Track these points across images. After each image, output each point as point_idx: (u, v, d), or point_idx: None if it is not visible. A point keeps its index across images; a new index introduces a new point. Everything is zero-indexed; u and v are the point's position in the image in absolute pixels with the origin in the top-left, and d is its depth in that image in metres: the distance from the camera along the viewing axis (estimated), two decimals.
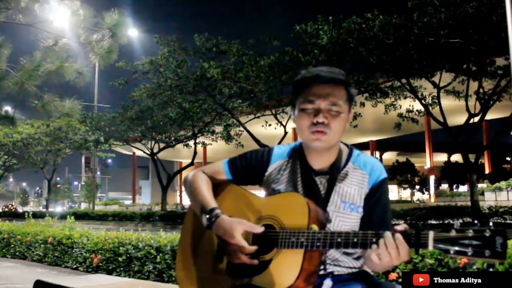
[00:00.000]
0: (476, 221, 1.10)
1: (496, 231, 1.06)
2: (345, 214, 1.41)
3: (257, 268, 1.33)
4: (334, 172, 1.43)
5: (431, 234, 1.12)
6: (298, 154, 1.49)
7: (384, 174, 1.45)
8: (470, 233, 1.08)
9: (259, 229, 1.35)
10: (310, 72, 1.40)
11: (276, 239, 1.33)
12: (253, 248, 1.33)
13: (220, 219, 1.38)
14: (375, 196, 1.43)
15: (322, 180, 1.44)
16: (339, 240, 1.24)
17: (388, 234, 1.19)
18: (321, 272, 1.37)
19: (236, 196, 1.52)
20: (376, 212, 1.42)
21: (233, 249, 1.35)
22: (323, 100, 1.37)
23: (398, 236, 1.17)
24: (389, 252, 1.18)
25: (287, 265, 1.29)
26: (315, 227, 1.30)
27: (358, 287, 1.40)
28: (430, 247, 1.12)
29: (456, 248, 1.09)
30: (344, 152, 1.48)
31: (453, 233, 1.10)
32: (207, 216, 1.41)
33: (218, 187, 1.56)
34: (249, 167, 1.54)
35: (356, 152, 1.50)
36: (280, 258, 1.31)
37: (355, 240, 1.22)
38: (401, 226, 1.20)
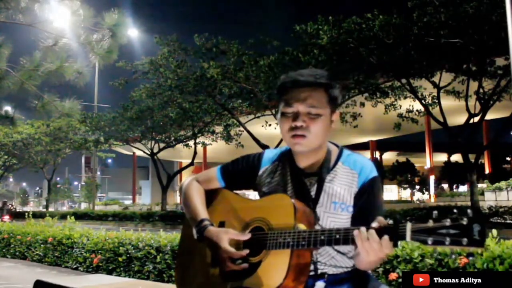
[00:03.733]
0: (454, 210, 1.10)
1: (473, 218, 1.06)
2: (335, 214, 1.42)
3: (247, 270, 1.35)
4: (323, 173, 1.44)
5: (408, 226, 1.13)
6: (287, 157, 1.51)
7: (374, 173, 1.45)
8: (448, 222, 1.08)
9: (245, 236, 1.38)
10: (290, 77, 1.42)
11: (265, 240, 1.35)
12: (242, 253, 1.36)
13: (207, 230, 1.43)
14: (364, 195, 1.43)
15: (312, 181, 1.45)
16: (322, 237, 1.26)
17: (362, 229, 1.20)
18: (313, 273, 1.38)
19: (229, 201, 1.56)
20: (365, 211, 1.41)
21: (223, 258, 1.37)
22: (301, 104, 1.38)
23: (371, 231, 1.18)
24: (364, 247, 1.19)
25: (275, 266, 1.31)
26: (302, 227, 1.31)
27: (351, 286, 1.41)
28: (408, 238, 1.12)
29: (434, 238, 1.09)
30: (333, 153, 1.48)
31: (430, 224, 1.10)
32: (197, 229, 1.46)
33: (212, 193, 1.60)
34: (241, 172, 1.58)
35: (346, 152, 1.50)
36: (268, 259, 1.34)
37: (337, 236, 1.24)
38: (375, 222, 1.20)
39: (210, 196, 1.60)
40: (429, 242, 1.09)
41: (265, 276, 1.32)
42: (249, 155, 1.61)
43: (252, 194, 1.61)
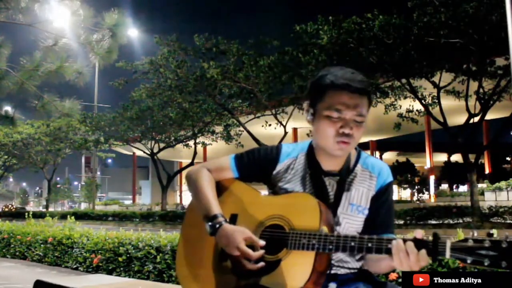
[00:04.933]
0: (491, 232, 1.12)
1: None
2: (351, 216, 1.42)
3: (264, 268, 1.31)
4: (344, 174, 1.43)
5: (448, 243, 1.14)
6: (307, 154, 1.48)
7: (390, 178, 1.47)
8: (487, 243, 1.09)
9: (262, 242, 1.33)
10: (339, 79, 1.35)
11: (286, 239, 1.32)
12: (259, 254, 1.31)
13: (222, 229, 1.35)
14: (381, 199, 1.44)
15: (331, 181, 1.43)
16: (352, 244, 1.24)
17: (398, 241, 1.19)
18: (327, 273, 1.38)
19: (242, 194, 1.49)
20: (380, 214, 1.43)
21: (238, 257, 1.33)
22: (351, 111, 1.35)
23: (409, 244, 1.18)
24: (400, 259, 1.18)
25: (297, 267, 1.28)
26: (325, 229, 1.30)
27: (360, 286, 1.41)
28: (448, 255, 1.13)
29: (473, 258, 1.10)
30: (352, 154, 1.47)
31: (470, 243, 1.12)
32: (210, 224, 1.38)
33: (222, 182, 1.53)
34: (257, 164, 1.51)
35: (364, 154, 1.50)
36: (290, 259, 1.30)
37: (370, 245, 1.22)
38: (417, 233, 1.20)
39: (220, 185, 1.52)
40: (468, 261, 1.11)
41: (286, 276, 1.28)
42: (266, 147, 1.55)
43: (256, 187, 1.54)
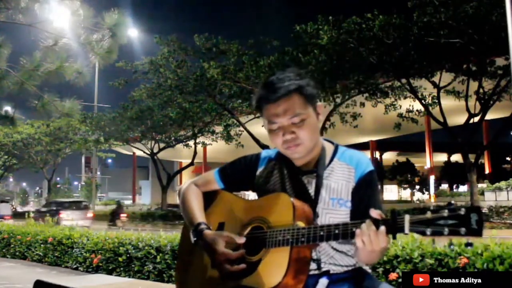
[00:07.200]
0: (452, 202, 1.10)
1: (471, 208, 1.07)
2: (334, 210, 1.42)
3: (247, 269, 1.36)
4: (320, 170, 1.45)
5: (406, 218, 1.13)
6: (283, 156, 1.51)
7: (370, 167, 1.46)
8: (445, 213, 1.09)
9: (241, 239, 1.39)
10: (260, 94, 1.41)
11: (264, 239, 1.36)
12: (238, 253, 1.37)
13: (203, 234, 1.43)
14: (362, 189, 1.43)
15: (309, 179, 1.46)
16: (321, 233, 1.26)
17: (362, 225, 1.20)
18: (316, 272, 1.39)
19: (227, 202, 1.57)
20: (363, 204, 1.42)
21: (220, 260, 1.38)
22: (283, 117, 1.38)
23: (368, 221, 1.19)
24: (360, 237, 1.19)
25: (274, 264, 1.32)
26: (301, 224, 1.32)
27: (353, 286, 1.41)
28: (407, 230, 1.13)
29: (432, 229, 1.10)
30: (328, 149, 1.49)
31: (428, 215, 1.11)
32: (194, 233, 1.46)
33: (211, 195, 1.62)
34: (239, 173, 1.59)
35: (342, 148, 1.51)
36: (268, 258, 1.34)
37: (336, 231, 1.24)
38: (372, 212, 1.20)
39: (209, 198, 1.61)
40: (428, 233, 1.10)
41: (265, 274, 1.32)
42: (246, 156, 1.62)
43: (252, 195, 1.61)
